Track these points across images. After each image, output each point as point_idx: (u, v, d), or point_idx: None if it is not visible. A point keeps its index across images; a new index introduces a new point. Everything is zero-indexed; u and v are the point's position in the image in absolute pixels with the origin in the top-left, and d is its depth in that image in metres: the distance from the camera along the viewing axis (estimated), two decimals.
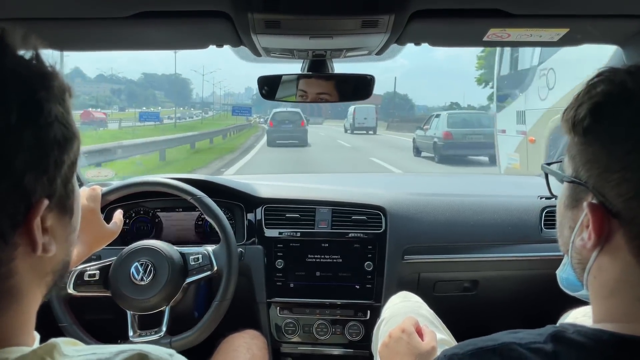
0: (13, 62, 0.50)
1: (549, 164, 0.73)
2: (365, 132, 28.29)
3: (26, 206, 0.49)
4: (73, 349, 0.52)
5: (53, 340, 0.52)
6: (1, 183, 0.48)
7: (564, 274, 0.72)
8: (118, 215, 1.30)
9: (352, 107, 28.31)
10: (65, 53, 1.20)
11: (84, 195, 1.17)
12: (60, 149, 0.51)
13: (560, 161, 0.67)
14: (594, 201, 0.57)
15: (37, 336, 0.56)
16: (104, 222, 1.22)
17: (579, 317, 1.12)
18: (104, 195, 1.48)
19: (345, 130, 30.16)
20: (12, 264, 0.50)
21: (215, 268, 1.41)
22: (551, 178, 0.72)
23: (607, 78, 0.58)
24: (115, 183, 1.54)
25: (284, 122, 19.67)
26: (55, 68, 0.53)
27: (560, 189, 0.67)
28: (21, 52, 0.52)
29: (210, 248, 1.44)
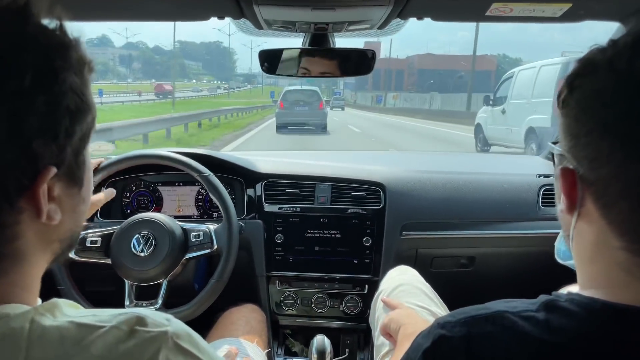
0: (34, 29, 0.51)
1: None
2: None
3: (33, 171, 0.50)
4: (73, 310, 0.53)
5: (55, 299, 0.53)
6: (10, 145, 0.48)
7: (561, 246, 0.74)
8: (109, 191, 1.30)
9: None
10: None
11: None
12: (72, 118, 0.52)
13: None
14: (569, 166, 0.59)
15: (39, 301, 0.57)
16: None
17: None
18: (110, 164, 1.49)
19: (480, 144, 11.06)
20: (17, 228, 0.51)
21: (216, 247, 1.42)
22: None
23: (582, 56, 0.60)
24: (122, 154, 1.54)
25: (297, 103, 15.86)
26: (77, 40, 0.54)
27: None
28: (46, 22, 0.52)
29: (212, 226, 1.45)
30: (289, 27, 1.23)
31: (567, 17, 1.16)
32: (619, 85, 0.54)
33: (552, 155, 0.75)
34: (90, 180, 0.61)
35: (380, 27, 1.25)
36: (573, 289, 1.34)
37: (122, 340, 0.49)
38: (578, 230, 0.61)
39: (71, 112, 0.52)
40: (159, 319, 0.52)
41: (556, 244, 0.78)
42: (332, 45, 1.35)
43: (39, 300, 0.57)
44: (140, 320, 0.51)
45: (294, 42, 1.38)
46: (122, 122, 11.14)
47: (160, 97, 46.15)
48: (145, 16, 1.22)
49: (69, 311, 0.52)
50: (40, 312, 0.50)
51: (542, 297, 0.58)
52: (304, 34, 1.33)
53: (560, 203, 0.63)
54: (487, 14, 1.15)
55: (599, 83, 0.56)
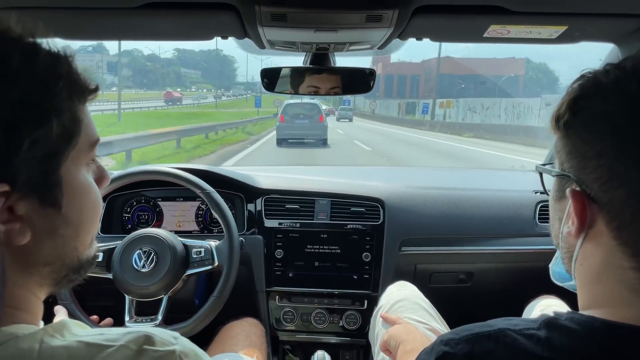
0: None
1: (543, 165, 0.76)
2: None
3: None
4: (82, 330, 0.53)
5: (64, 319, 0.53)
6: None
7: (557, 268, 0.74)
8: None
9: None
10: None
11: None
12: (10, 131, 0.48)
13: (552, 163, 0.70)
14: (577, 188, 0.60)
15: (41, 323, 0.57)
16: None
17: (545, 309, 1.16)
18: (113, 180, 1.49)
19: None
20: None
21: (217, 263, 1.42)
22: (546, 177, 0.75)
23: (583, 76, 0.62)
24: (125, 171, 1.55)
25: (298, 116, 16.14)
26: (36, 49, 0.51)
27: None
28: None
29: (213, 243, 1.46)
30: (291, 46, 1.25)
31: (563, 39, 1.18)
32: (632, 107, 0.55)
33: (541, 175, 0.76)
34: (82, 202, 0.57)
35: (380, 47, 1.27)
36: (550, 301, 1.35)
37: (130, 359, 0.49)
38: (583, 252, 0.61)
39: (9, 124, 0.48)
40: (167, 338, 0.53)
41: (551, 266, 0.78)
42: (332, 64, 1.37)
43: (42, 323, 0.57)
44: (149, 339, 0.51)
45: (294, 59, 1.40)
46: None
47: (170, 104, 48.48)
48: (149, 36, 1.23)
49: (78, 331, 0.53)
50: (50, 333, 0.50)
51: (544, 316, 0.59)
52: (305, 52, 1.35)
53: (566, 225, 0.63)
54: (485, 35, 1.17)
55: (608, 105, 0.57)
